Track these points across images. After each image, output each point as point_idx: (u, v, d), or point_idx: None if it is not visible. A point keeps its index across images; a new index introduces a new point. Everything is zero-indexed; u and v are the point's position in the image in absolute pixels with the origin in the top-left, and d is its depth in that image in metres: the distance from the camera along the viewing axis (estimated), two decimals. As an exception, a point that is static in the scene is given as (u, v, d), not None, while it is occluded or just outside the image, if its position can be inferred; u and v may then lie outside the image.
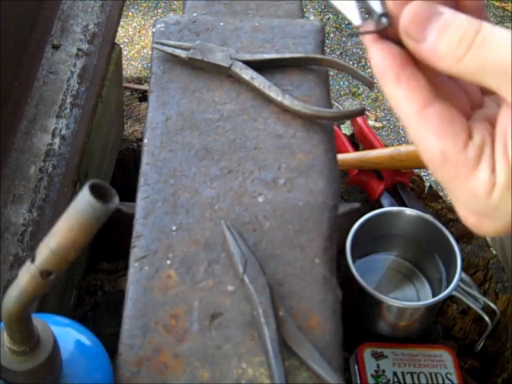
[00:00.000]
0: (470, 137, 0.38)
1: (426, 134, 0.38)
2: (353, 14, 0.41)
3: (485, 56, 0.37)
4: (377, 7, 0.40)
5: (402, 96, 0.39)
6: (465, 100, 0.42)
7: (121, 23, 0.98)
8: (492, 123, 0.39)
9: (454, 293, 0.92)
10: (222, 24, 0.79)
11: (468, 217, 0.40)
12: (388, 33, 0.40)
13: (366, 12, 0.41)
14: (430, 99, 0.39)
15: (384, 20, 0.40)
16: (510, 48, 0.36)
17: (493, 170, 0.37)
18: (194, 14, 0.81)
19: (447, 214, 1.11)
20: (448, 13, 0.38)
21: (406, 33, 0.39)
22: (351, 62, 2.46)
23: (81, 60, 0.86)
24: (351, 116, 1.17)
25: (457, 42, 0.37)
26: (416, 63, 0.40)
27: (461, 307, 1.01)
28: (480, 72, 0.37)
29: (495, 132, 0.38)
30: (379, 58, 0.40)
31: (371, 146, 1.17)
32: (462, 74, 0.38)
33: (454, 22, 0.38)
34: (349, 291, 0.78)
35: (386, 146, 1.17)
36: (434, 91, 0.39)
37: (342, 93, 2.36)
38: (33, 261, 0.42)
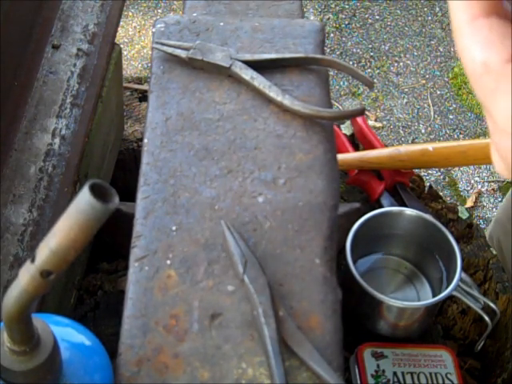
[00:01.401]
0: None
1: (471, 43, 0.35)
2: None
3: None
4: None
5: (459, 3, 0.36)
6: None
7: (121, 23, 0.98)
8: None
9: (454, 293, 0.92)
10: (221, 24, 0.79)
11: (501, 140, 0.35)
12: None
13: None
14: (487, 12, 0.36)
15: None
16: None
17: None
18: (194, 14, 0.81)
19: (447, 214, 1.11)
20: None
21: None
22: (351, 62, 2.45)
23: (81, 60, 0.86)
24: (351, 116, 1.17)
25: None
26: None
27: (461, 307, 1.01)
28: None
29: None
30: None
31: (371, 146, 1.17)
32: None
33: None
34: (349, 291, 0.78)
35: (386, 146, 1.17)
36: (499, 10, 0.36)
37: (342, 93, 2.36)
38: (33, 261, 0.42)
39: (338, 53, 2.48)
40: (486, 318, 0.94)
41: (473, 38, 0.35)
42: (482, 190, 2.20)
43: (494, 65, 0.34)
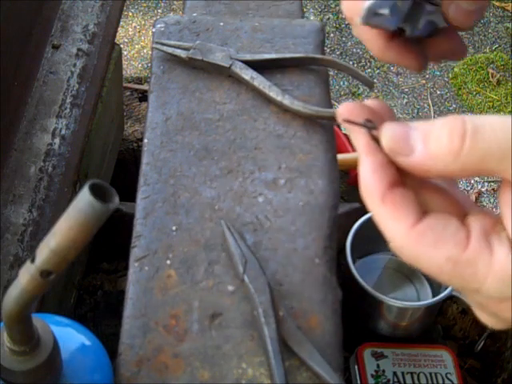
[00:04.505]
0: (468, 231, 0.37)
1: (423, 249, 0.37)
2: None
3: (485, 142, 0.35)
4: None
5: (388, 216, 0.38)
6: (457, 208, 0.41)
7: (121, 23, 0.98)
8: (486, 215, 0.38)
9: (454, 293, 0.92)
10: (221, 24, 0.79)
11: (503, 309, 0.38)
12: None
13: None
14: (419, 215, 0.38)
15: (368, 124, 0.40)
16: (510, 129, 0.35)
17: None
18: (194, 14, 0.81)
19: (447, 214, 1.11)
20: (416, 123, 0.38)
21: (393, 151, 0.38)
22: (351, 62, 2.45)
23: (81, 60, 0.86)
24: (351, 116, 1.17)
25: (448, 138, 0.36)
26: (405, 177, 0.39)
27: (461, 307, 1.01)
28: (484, 159, 0.35)
29: (499, 215, 0.37)
30: (368, 173, 0.39)
31: (371, 146, 1.17)
32: (465, 168, 0.36)
33: (434, 124, 0.37)
34: (349, 291, 0.78)
35: (386, 145, 1.17)
36: (421, 206, 0.39)
37: (342, 93, 2.36)
38: (33, 261, 0.42)
39: (337, 53, 2.48)
40: (486, 318, 0.94)
41: (421, 245, 0.38)
42: (482, 189, 2.20)
43: (458, 256, 0.37)
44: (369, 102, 0.42)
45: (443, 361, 0.91)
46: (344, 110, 0.41)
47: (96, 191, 0.38)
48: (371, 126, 0.40)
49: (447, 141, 0.36)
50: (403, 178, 0.39)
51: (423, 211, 0.38)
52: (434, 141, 0.36)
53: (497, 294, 0.37)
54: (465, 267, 0.37)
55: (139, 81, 1.25)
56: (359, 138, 0.40)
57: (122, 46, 1.04)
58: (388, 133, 0.38)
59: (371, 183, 0.39)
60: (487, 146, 0.35)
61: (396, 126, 0.38)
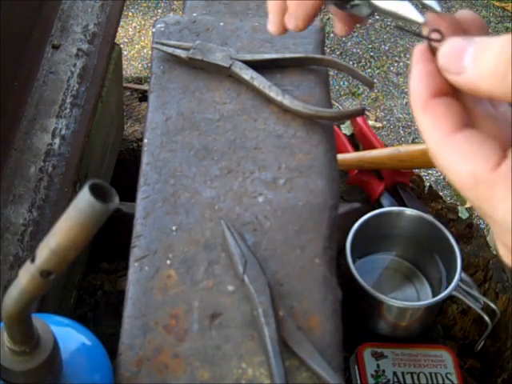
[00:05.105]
0: (504, 157, 0.36)
1: (453, 158, 0.37)
2: (411, 13, 0.42)
3: None
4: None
5: (428, 124, 0.38)
6: (505, 135, 0.39)
7: (121, 23, 0.98)
8: None
9: (454, 293, 0.92)
10: (221, 24, 0.79)
11: (509, 239, 0.37)
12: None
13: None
14: (458, 126, 0.37)
15: (435, 35, 0.39)
16: None
17: None
18: (194, 14, 0.81)
19: (447, 214, 1.11)
20: (480, 38, 0.37)
21: (446, 70, 0.38)
22: (351, 62, 2.45)
23: (81, 60, 0.86)
24: (351, 116, 1.17)
25: (496, 59, 0.35)
26: (456, 92, 0.38)
27: (461, 307, 1.01)
28: None
29: None
30: (415, 80, 0.39)
31: (371, 146, 1.17)
32: (510, 92, 0.35)
33: (488, 43, 0.36)
34: (349, 291, 0.78)
35: (386, 145, 1.17)
36: (466, 120, 0.38)
37: (342, 93, 2.36)
38: (33, 261, 0.42)
39: (337, 53, 2.48)
40: (486, 318, 0.94)
41: (454, 154, 0.36)
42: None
43: (482, 173, 0.35)
44: (460, 13, 0.41)
45: (443, 361, 0.91)
46: (431, 19, 0.40)
47: (96, 191, 0.38)
48: (436, 38, 0.39)
49: (494, 64, 0.35)
50: (456, 91, 0.38)
51: (464, 122, 0.37)
52: (483, 61, 0.36)
53: (506, 225, 0.36)
54: (484, 188, 0.36)
55: (139, 81, 1.25)
56: (418, 47, 0.40)
57: (122, 45, 1.04)
58: (445, 48, 0.38)
59: (415, 90, 0.38)
60: None
61: (457, 41, 0.37)
